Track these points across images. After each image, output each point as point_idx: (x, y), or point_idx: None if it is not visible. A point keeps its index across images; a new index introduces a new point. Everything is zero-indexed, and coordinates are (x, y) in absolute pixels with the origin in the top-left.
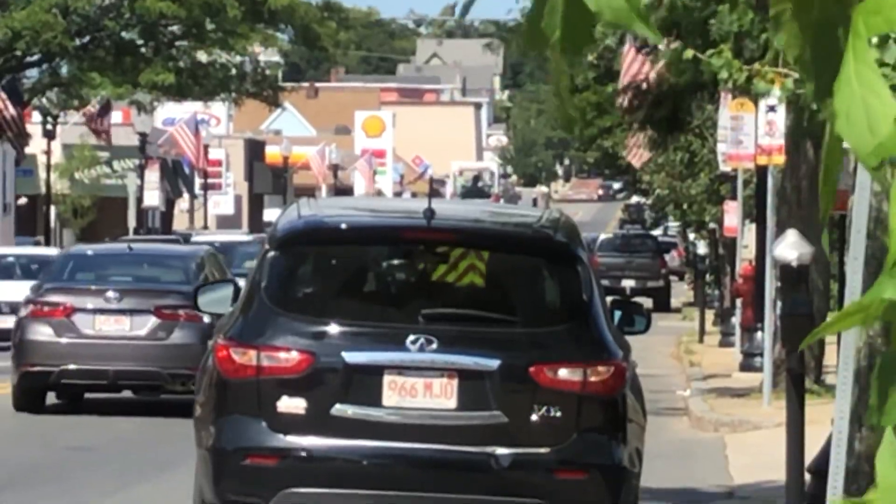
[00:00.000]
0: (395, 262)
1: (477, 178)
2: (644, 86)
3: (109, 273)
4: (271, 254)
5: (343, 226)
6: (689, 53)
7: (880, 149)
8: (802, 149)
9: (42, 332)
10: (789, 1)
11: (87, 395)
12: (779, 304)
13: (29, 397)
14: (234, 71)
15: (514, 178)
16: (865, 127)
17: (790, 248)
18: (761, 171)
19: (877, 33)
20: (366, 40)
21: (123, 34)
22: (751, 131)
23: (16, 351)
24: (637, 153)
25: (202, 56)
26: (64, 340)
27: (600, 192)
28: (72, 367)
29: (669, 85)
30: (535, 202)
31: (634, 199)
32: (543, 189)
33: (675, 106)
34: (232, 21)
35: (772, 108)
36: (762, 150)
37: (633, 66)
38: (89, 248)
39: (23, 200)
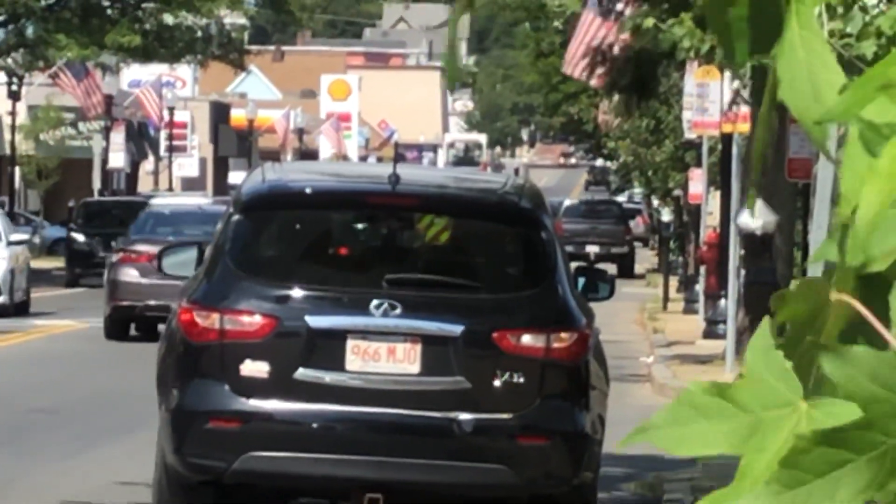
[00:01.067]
0: (360, 226)
1: (467, 149)
2: (606, 52)
3: (183, 227)
4: (235, 217)
5: (307, 190)
6: (650, 22)
7: (826, 115)
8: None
9: (129, 274)
10: None
11: (58, 357)
12: (742, 271)
13: (117, 327)
14: (200, 33)
15: (499, 148)
16: (810, 95)
17: (753, 216)
18: (726, 139)
19: (820, 2)
20: (332, 4)
21: None
22: (716, 98)
23: (108, 289)
24: (604, 119)
25: (168, 18)
26: (146, 281)
27: (561, 160)
28: (152, 302)
29: (634, 52)
30: (516, 171)
31: (599, 162)
32: (524, 160)
33: (641, 73)
34: None
35: (737, 76)
36: (727, 117)
37: (591, 31)
38: (167, 207)
39: None
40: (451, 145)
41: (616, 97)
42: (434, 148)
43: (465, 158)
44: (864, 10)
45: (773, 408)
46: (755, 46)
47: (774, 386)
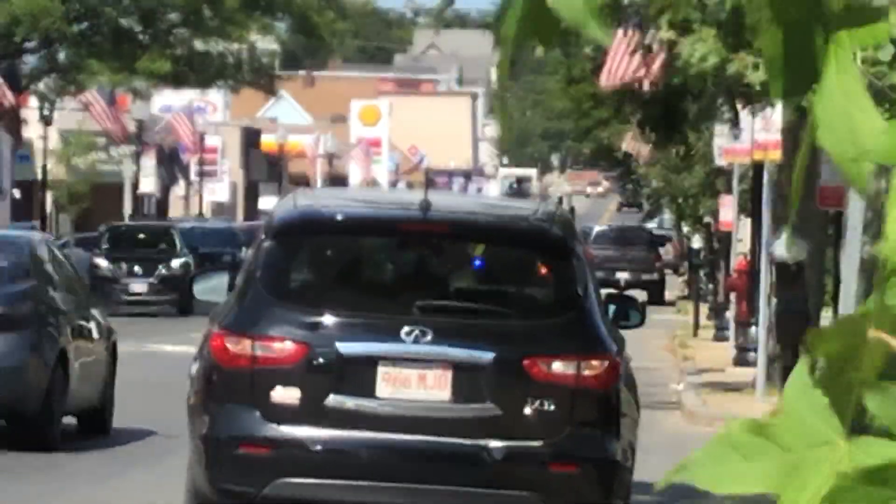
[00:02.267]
0: (391, 253)
1: (520, 181)
2: (637, 86)
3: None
4: (267, 243)
5: (339, 216)
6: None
7: (867, 155)
8: (799, 144)
9: None
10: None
11: None
12: (773, 300)
13: None
14: (231, 59)
15: (548, 178)
16: (849, 139)
17: (786, 245)
18: (757, 167)
19: (860, 46)
20: (363, 29)
21: (122, 21)
22: (748, 126)
23: None
24: (634, 146)
25: (199, 44)
26: None
27: (588, 189)
28: None
29: (665, 84)
30: (560, 200)
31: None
32: (567, 188)
33: (670, 105)
34: (230, 9)
35: (769, 104)
36: (758, 145)
37: (622, 67)
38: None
39: (16, 191)
40: (506, 177)
41: (646, 131)
42: (465, 174)
43: (519, 190)
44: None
45: (813, 446)
46: (792, 87)
47: (814, 424)
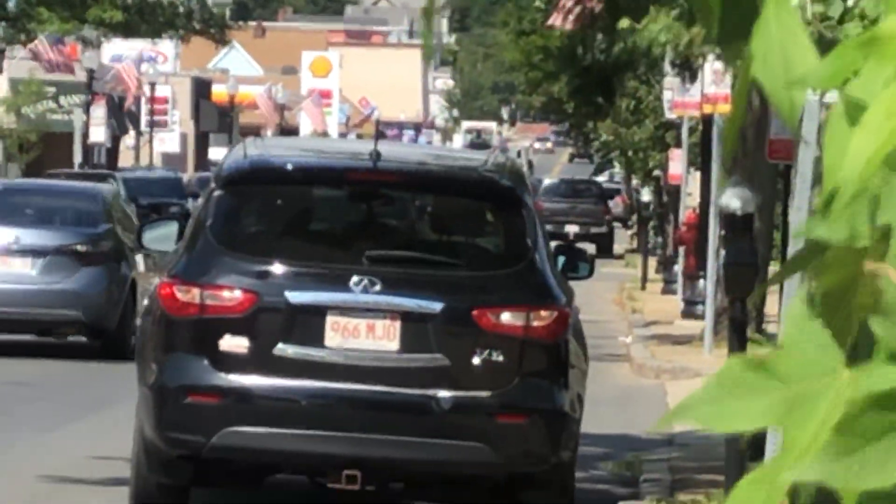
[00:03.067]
0: (341, 203)
1: (479, 133)
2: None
3: None
4: (217, 192)
5: (289, 166)
6: (625, 23)
7: (805, 81)
8: (749, 98)
9: None
10: None
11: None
12: (722, 252)
13: None
14: (181, 9)
15: (506, 130)
16: (783, 71)
17: (735, 196)
18: (707, 120)
19: None
20: None
21: None
22: (698, 79)
23: None
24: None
25: None
26: None
27: (536, 144)
28: None
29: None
30: (518, 153)
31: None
32: (527, 142)
33: (607, 79)
34: None
35: (718, 57)
36: (708, 98)
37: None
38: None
39: None
40: (469, 131)
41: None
42: (416, 126)
43: (480, 142)
44: None
45: (816, 377)
46: (734, 30)
47: (814, 356)
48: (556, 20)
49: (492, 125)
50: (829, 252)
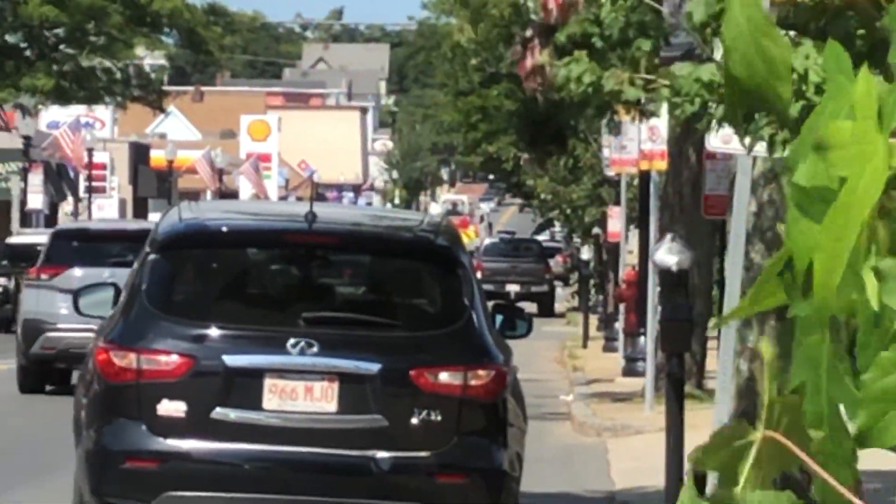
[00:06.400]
0: (277, 265)
1: (455, 204)
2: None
3: None
4: (152, 257)
5: (224, 229)
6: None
7: (777, 75)
8: (685, 154)
9: None
10: None
11: None
12: (659, 308)
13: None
14: (118, 75)
15: (488, 205)
16: (759, 62)
17: (670, 252)
18: (644, 176)
19: None
20: (251, 44)
21: (7, 38)
22: (634, 136)
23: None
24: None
25: (85, 60)
26: None
27: (490, 205)
28: None
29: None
30: (482, 218)
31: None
32: (486, 208)
33: (559, 125)
34: (115, 26)
35: (649, 115)
36: (644, 155)
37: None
38: None
39: None
40: (444, 202)
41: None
42: (355, 188)
43: (453, 212)
44: None
45: None
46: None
47: None
48: (530, 83)
49: (464, 197)
50: (712, 435)
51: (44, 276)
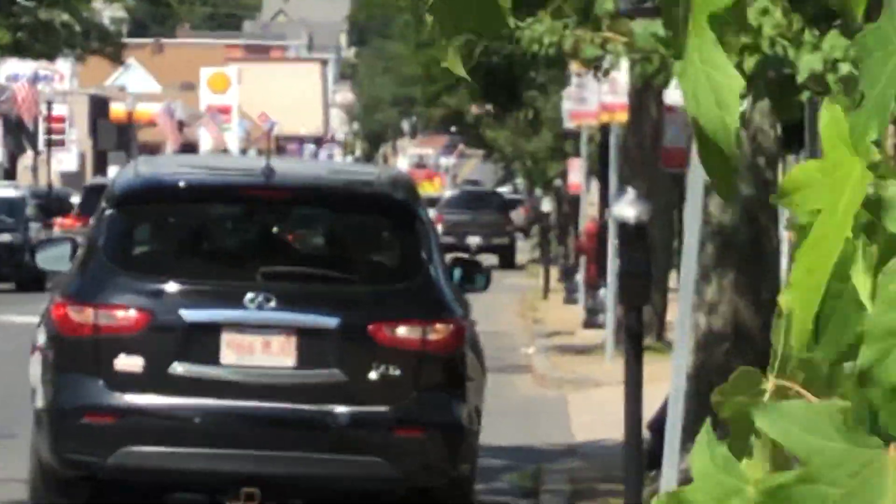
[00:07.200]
0: (234, 220)
1: (421, 157)
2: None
3: None
4: (109, 212)
5: (181, 184)
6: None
7: (726, 113)
8: (646, 106)
9: None
10: None
11: None
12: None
13: None
14: (77, 28)
15: (448, 159)
16: (714, 103)
17: (628, 205)
18: (605, 129)
19: (715, 10)
20: None
21: None
22: (595, 89)
23: None
24: (483, 110)
25: (44, 13)
26: None
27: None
28: None
29: (506, 58)
30: (447, 170)
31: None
32: (447, 162)
33: (513, 79)
34: None
35: (606, 72)
36: (605, 107)
37: None
38: None
39: None
40: (411, 156)
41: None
42: (316, 141)
43: (420, 164)
44: None
45: (725, 499)
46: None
47: (724, 480)
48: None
49: (429, 150)
50: (731, 378)
51: (78, 226)
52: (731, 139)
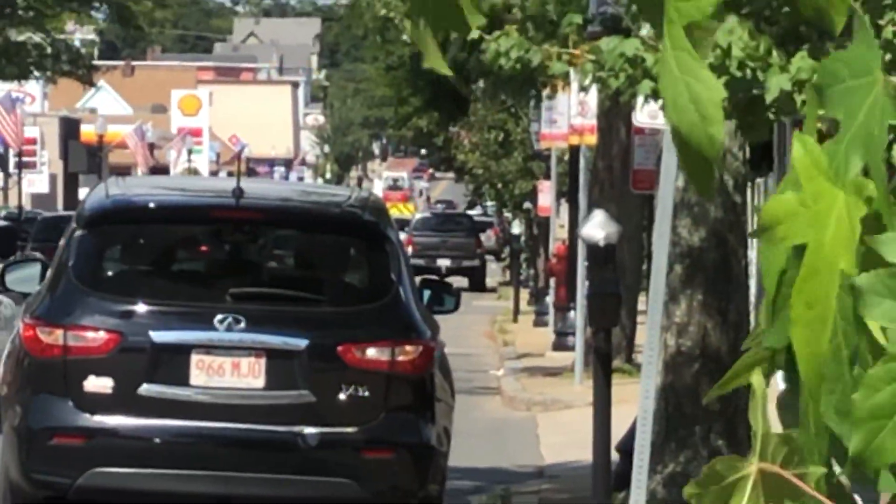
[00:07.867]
0: (204, 241)
1: (395, 180)
2: None
3: None
4: (78, 233)
5: (151, 205)
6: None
7: (708, 120)
8: (615, 129)
9: None
10: None
11: None
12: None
13: None
14: (48, 50)
15: (420, 182)
16: (695, 113)
17: (597, 227)
18: (574, 151)
19: (689, 21)
20: (182, 19)
21: None
22: (564, 111)
23: None
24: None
25: (15, 35)
26: None
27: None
28: None
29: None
30: (420, 193)
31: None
32: (421, 185)
33: (460, 90)
34: (44, 0)
35: (583, 89)
36: (574, 129)
37: None
38: None
39: None
40: (386, 178)
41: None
42: (287, 162)
43: (394, 187)
44: None
45: None
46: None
47: None
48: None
49: (403, 173)
50: (705, 469)
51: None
52: (715, 150)
